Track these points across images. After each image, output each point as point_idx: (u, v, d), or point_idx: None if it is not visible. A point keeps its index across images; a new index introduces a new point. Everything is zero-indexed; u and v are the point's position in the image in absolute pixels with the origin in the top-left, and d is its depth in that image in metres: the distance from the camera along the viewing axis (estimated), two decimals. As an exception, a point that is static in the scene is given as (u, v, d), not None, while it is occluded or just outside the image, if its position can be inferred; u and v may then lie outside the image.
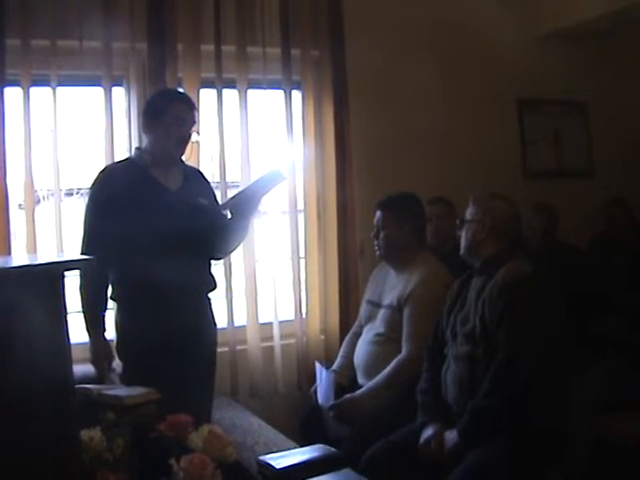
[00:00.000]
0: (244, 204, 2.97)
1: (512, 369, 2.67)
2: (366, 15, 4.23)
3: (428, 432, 2.84)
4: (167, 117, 2.95)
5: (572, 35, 4.88)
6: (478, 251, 2.98)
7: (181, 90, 3.62)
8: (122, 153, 3.59)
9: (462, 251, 3.05)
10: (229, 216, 3.05)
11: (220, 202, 3.25)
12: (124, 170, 3.01)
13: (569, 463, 2.88)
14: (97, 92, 3.65)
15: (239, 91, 3.87)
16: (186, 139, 3.02)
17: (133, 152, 3.19)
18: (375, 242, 3.55)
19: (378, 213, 3.55)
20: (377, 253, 3.57)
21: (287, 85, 3.98)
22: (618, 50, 5.08)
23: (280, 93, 4.00)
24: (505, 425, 2.69)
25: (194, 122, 3.05)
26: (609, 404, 3.68)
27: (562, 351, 2.80)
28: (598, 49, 5.05)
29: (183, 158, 3.11)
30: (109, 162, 3.47)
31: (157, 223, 2.85)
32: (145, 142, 3.08)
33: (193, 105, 3.08)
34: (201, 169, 3.40)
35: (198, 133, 3.18)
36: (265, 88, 3.97)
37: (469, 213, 3.04)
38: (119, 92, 3.77)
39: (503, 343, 2.71)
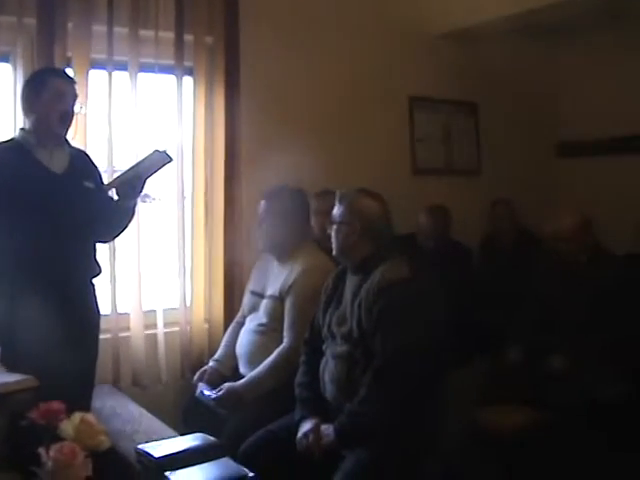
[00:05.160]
0: (129, 185, 2.94)
1: (388, 377, 2.71)
2: (262, 4, 4.21)
3: (306, 426, 2.87)
4: (46, 93, 2.90)
5: (465, 37, 5.01)
6: (351, 253, 2.95)
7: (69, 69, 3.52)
8: (7, 133, 3.46)
9: (334, 252, 3.02)
10: (114, 196, 3.00)
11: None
12: (7, 152, 2.93)
13: (445, 455, 2.96)
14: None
15: (130, 74, 3.79)
16: (69, 114, 2.96)
17: (17, 133, 3.09)
18: (258, 232, 3.56)
19: (262, 203, 3.55)
20: (260, 244, 3.59)
21: (179, 71, 3.91)
22: (508, 53, 5.26)
23: (172, 78, 3.94)
24: (382, 429, 2.73)
25: (76, 96, 3.00)
26: (486, 398, 3.82)
27: (439, 352, 2.85)
28: (490, 51, 5.19)
29: (69, 138, 3.05)
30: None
31: (41, 208, 2.80)
32: (28, 124, 3.00)
33: (72, 79, 3.04)
34: (88, 151, 3.33)
35: (81, 106, 3.11)
36: (157, 72, 3.91)
37: (338, 213, 2.98)
38: (5, 68, 3.64)
39: (379, 350, 2.74)
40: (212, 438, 2.64)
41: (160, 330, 3.91)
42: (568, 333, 3.77)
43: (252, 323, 3.57)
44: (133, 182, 2.95)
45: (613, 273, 3.75)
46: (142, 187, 3.00)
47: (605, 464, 3.41)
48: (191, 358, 3.97)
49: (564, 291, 3.86)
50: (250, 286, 3.72)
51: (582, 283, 3.78)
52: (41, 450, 1.84)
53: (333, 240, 2.99)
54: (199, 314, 4.03)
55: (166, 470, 2.37)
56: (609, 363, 3.61)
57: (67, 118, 2.96)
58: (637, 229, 4.13)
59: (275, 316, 3.43)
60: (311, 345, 3.12)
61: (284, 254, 3.53)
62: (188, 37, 3.93)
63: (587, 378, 3.60)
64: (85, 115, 3.53)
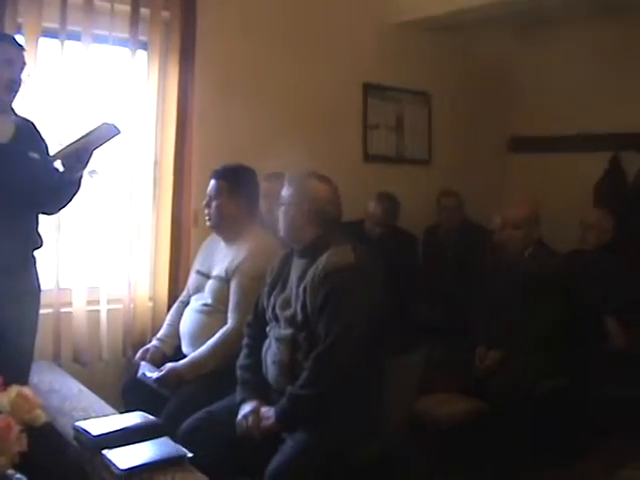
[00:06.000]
0: (75, 156, 2.87)
1: (330, 361, 2.72)
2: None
3: (246, 408, 2.86)
4: None
5: (422, 26, 5.04)
6: (298, 236, 2.94)
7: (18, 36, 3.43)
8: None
9: (281, 234, 3.01)
10: (60, 168, 2.94)
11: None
12: None
13: (383, 440, 2.98)
14: None
15: (83, 45, 3.71)
16: (16, 82, 2.87)
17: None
18: (206, 211, 3.53)
19: (212, 182, 3.52)
20: (207, 223, 3.56)
21: (133, 44, 3.85)
22: (465, 46, 5.30)
23: (126, 51, 3.87)
24: (322, 413, 2.74)
25: (24, 64, 2.90)
26: (425, 386, 3.87)
27: (380, 339, 2.87)
28: (446, 43, 5.24)
29: (16, 106, 2.97)
30: None
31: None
32: None
33: (21, 46, 2.93)
34: (35, 121, 3.26)
35: (28, 74, 3.03)
36: (110, 44, 3.83)
37: (286, 195, 2.97)
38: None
39: (322, 334, 2.74)
40: (151, 417, 2.65)
41: (103, 307, 3.86)
42: (505, 327, 3.87)
43: (197, 303, 3.54)
44: (80, 154, 2.87)
45: (551, 269, 3.88)
46: (89, 159, 2.93)
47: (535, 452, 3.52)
48: (133, 336, 3.94)
49: (505, 284, 3.96)
50: (196, 265, 3.69)
51: (521, 278, 3.89)
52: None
53: (280, 221, 2.98)
54: (143, 292, 4.00)
55: (103, 448, 2.35)
56: (542, 357, 3.72)
57: (14, 86, 2.87)
58: (581, 225, 4.23)
59: (220, 297, 3.41)
60: (254, 327, 3.11)
61: (231, 234, 3.50)
62: (144, 11, 3.87)
63: (520, 370, 3.69)
64: (34, 84, 3.44)
